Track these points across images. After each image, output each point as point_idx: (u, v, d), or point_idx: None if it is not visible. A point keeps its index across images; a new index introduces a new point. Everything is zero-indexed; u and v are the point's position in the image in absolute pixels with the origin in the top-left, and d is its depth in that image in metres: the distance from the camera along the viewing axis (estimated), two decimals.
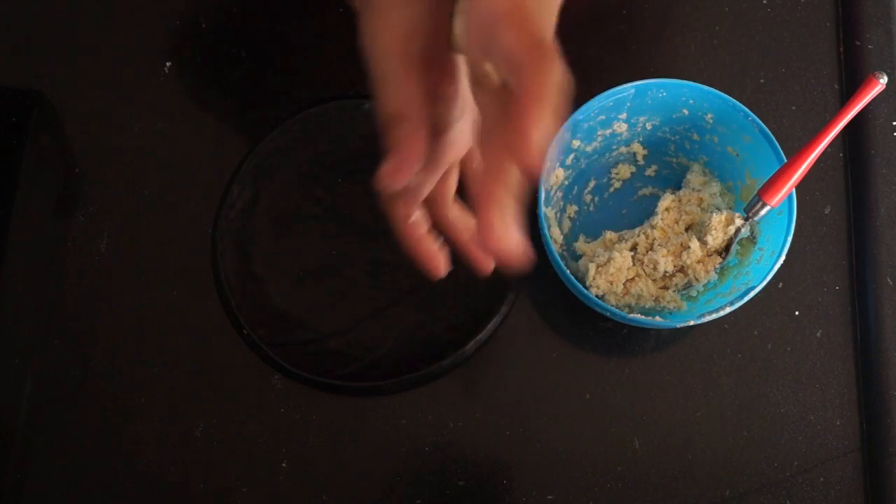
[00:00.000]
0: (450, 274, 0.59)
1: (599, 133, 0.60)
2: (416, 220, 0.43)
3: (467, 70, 0.37)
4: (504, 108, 0.33)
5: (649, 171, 0.63)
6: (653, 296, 0.58)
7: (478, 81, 0.36)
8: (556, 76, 0.31)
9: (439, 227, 0.45)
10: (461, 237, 0.45)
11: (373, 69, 0.36)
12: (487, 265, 0.45)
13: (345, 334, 0.59)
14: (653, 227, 0.59)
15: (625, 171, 0.63)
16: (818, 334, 0.60)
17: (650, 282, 0.58)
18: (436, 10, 0.35)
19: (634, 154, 0.63)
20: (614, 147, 0.62)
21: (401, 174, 0.36)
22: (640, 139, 0.62)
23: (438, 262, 0.44)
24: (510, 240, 0.33)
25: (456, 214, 0.45)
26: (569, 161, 0.60)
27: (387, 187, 0.37)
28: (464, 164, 0.43)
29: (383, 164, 0.36)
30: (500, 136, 0.34)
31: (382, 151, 0.36)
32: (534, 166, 0.30)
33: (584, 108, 0.56)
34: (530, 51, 0.31)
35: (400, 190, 0.40)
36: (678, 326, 0.55)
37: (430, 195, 0.43)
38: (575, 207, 0.62)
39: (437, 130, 0.38)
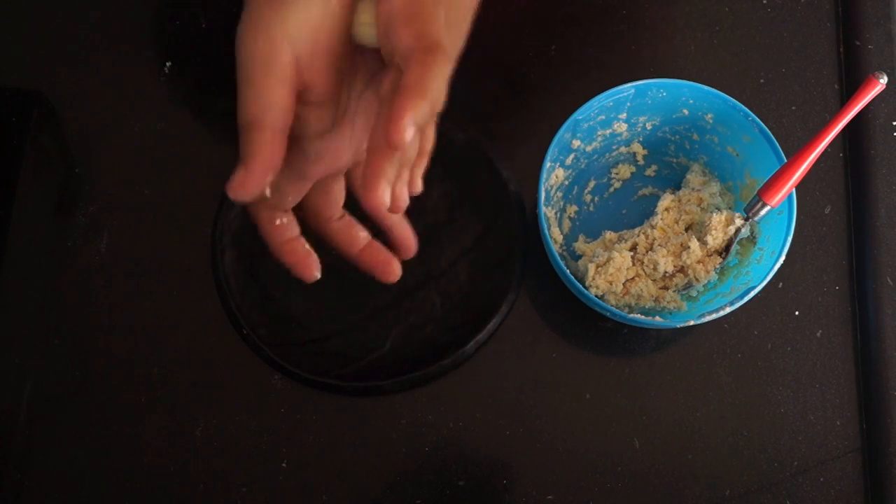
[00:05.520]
0: (450, 274, 0.60)
1: (599, 133, 0.60)
2: (283, 224, 0.42)
3: (381, 49, 0.38)
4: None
5: (649, 171, 0.63)
6: (653, 296, 0.58)
7: (387, 60, 0.37)
8: (437, 73, 0.34)
9: (325, 239, 0.44)
10: (350, 250, 0.45)
11: (239, 72, 0.37)
12: (388, 273, 0.45)
13: (345, 334, 0.59)
14: (653, 227, 0.59)
15: (625, 171, 0.63)
16: (818, 334, 0.60)
17: (650, 282, 0.58)
18: (328, 13, 0.36)
19: (634, 154, 0.63)
20: (614, 147, 0.62)
21: (250, 184, 0.36)
22: (640, 139, 0.62)
23: (308, 265, 0.43)
24: (383, 202, 0.36)
25: (341, 227, 0.44)
26: (569, 161, 0.60)
27: (236, 197, 0.36)
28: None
29: (234, 174, 0.36)
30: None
31: (238, 159, 0.37)
32: (397, 147, 0.34)
33: (584, 108, 0.56)
34: (418, 49, 0.35)
35: (259, 199, 0.39)
36: (678, 326, 0.55)
37: (311, 207, 0.43)
38: (575, 207, 0.62)
39: (302, 140, 0.39)
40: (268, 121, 0.36)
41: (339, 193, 0.44)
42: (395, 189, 0.38)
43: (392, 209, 0.37)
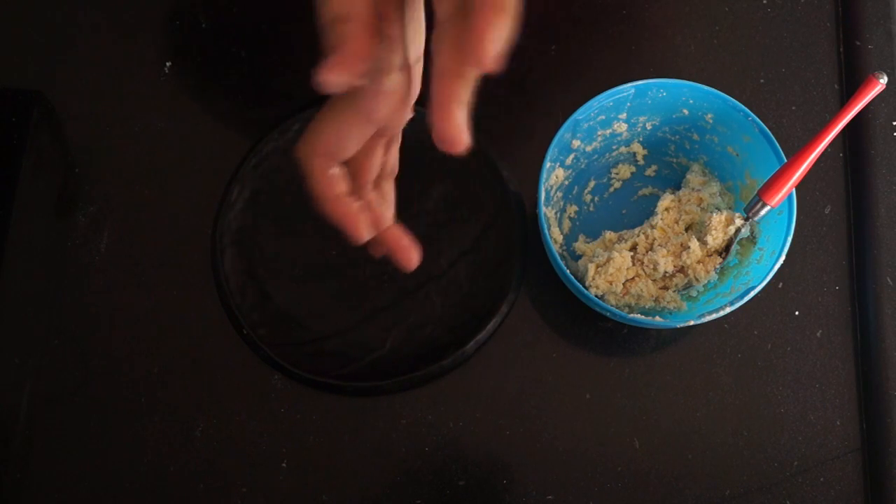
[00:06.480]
0: (450, 274, 0.60)
1: (599, 133, 0.60)
2: (335, 176, 0.40)
3: None
4: (461, 11, 0.35)
5: (649, 171, 0.63)
6: (653, 296, 0.58)
7: None
8: None
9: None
10: (377, 225, 0.43)
11: None
12: (408, 259, 0.44)
13: (345, 334, 0.59)
14: (652, 227, 0.59)
15: (625, 171, 0.63)
16: (818, 334, 0.60)
17: (650, 282, 0.58)
18: None
19: (634, 154, 0.63)
20: (614, 147, 0.62)
21: (345, 70, 0.35)
22: (640, 139, 0.62)
23: (359, 223, 0.41)
24: (462, 130, 0.35)
25: (374, 199, 0.43)
26: (569, 161, 0.60)
27: (326, 83, 0.35)
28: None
29: (325, 62, 0.34)
30: (457, 38, 0.34)
31: (324, 55, 0.35)
32: (488, 67, 0.32)
33: (584, 108, 0.56)
34: None
35: (321, 147, 0.39)
36: (678, 326, 0.55)
37: (352, 168, 0.42)
38: (575, 207, 0.62)
39: (373, 74, 0.37)
40: (354, 14, 0.35)
41: (379, 158, 0.43)
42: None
43: (459, 143, 0.35)
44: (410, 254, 0.44)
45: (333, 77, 0.35)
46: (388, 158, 0.44)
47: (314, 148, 0.40)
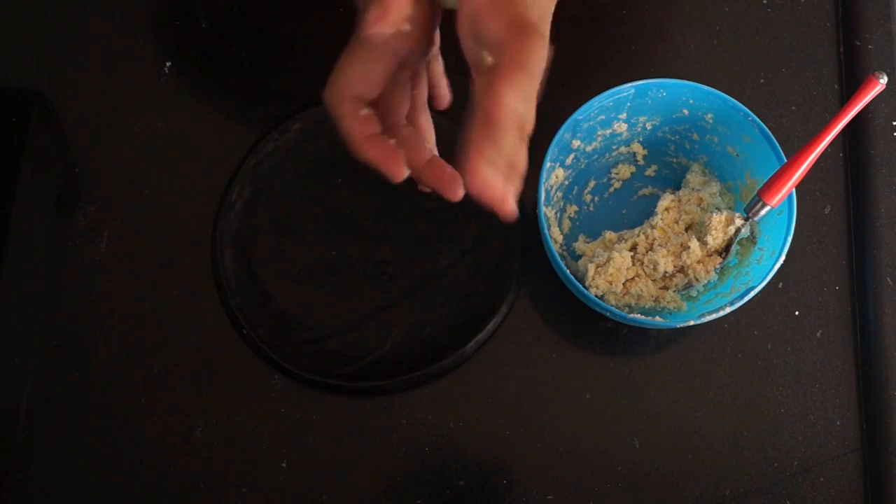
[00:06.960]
0: (450, 274, 0.60)
1: (599, 133, 0.60)
2: (366, 116, 0.41)
3: (467, 55, 0.38)
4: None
5: (649, 171, 0.63)
6: (653, 296, 0.58)
7: (476, 66, 0.37)
8: (535, 50, 0.34)
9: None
10: (417, 160, 0.42)
11: None
12: (454, 188, 0.42)
13: (345, 334, 0.59)
14: (652, 227, 0.59)
15: (625, 171, 0.63)
16: (818, 334, 0.60)
17: (650, 282, 0.58)
18: None
19: (634, 154, 0.63)
20: (614, 147, 0.62)
21: (388, 18, 0.36)
22: (640, 139, 0.62)
23: (395, 161, 0.41)
24: (491, 186, 0.36)
25: (409, 134, 0.43)
26: (569, 161, 0.60)
27: (374, 34, 0.36)
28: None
29: (369, 15, 0.36)
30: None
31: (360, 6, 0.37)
32: (502, 124, 0.33)
33: (584, 108, 0.56)
34: (512, 33, 0.34)
35: (348, 89, 0.40)
36: (678, 326, 0.55)
37: (382, 107, 0.42)
38: (575, 207, 0.62)
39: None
40: None
41: (407, 92, 0.43)
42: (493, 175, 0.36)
43: (496, 196, 0.36)
44: (455, 184, 0.42)
45: (380, 27, 0.36)
46: (417, 91, 0.44)
47: (341, 91, 0.40)
